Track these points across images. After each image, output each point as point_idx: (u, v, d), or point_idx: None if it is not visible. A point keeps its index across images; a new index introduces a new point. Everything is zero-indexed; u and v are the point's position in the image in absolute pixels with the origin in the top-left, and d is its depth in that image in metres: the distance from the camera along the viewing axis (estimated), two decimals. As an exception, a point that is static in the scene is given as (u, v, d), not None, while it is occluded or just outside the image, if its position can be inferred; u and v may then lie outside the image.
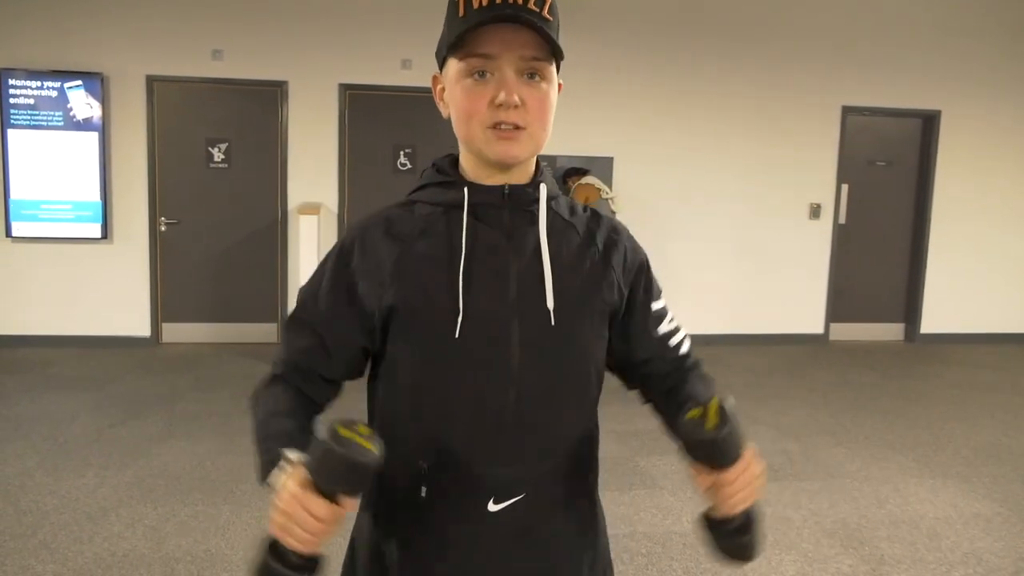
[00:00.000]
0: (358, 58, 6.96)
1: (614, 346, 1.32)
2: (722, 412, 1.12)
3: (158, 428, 4.84)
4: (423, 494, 1.19)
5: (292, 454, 1.08)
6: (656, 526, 3.70)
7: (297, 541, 1.01)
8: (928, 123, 7.96)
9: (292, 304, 6.00)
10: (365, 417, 1.29)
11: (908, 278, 8.19)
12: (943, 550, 3.55)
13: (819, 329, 7.93)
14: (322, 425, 1.05)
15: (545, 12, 1.12)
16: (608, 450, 1.34)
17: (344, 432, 1.01)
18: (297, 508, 1.00)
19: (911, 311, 8.18)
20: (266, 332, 7.18)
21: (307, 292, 1.28)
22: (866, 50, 7.64)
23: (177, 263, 7.01)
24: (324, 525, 1.01)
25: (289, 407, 1.24)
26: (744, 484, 1.13)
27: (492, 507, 1.20)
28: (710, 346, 7.53)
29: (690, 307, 7.55)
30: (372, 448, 1.02)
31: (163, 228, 6.94)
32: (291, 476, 1.03)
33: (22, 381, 5.80)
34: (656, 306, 1.36)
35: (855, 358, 7.36)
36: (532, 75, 1.14)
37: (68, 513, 3.64)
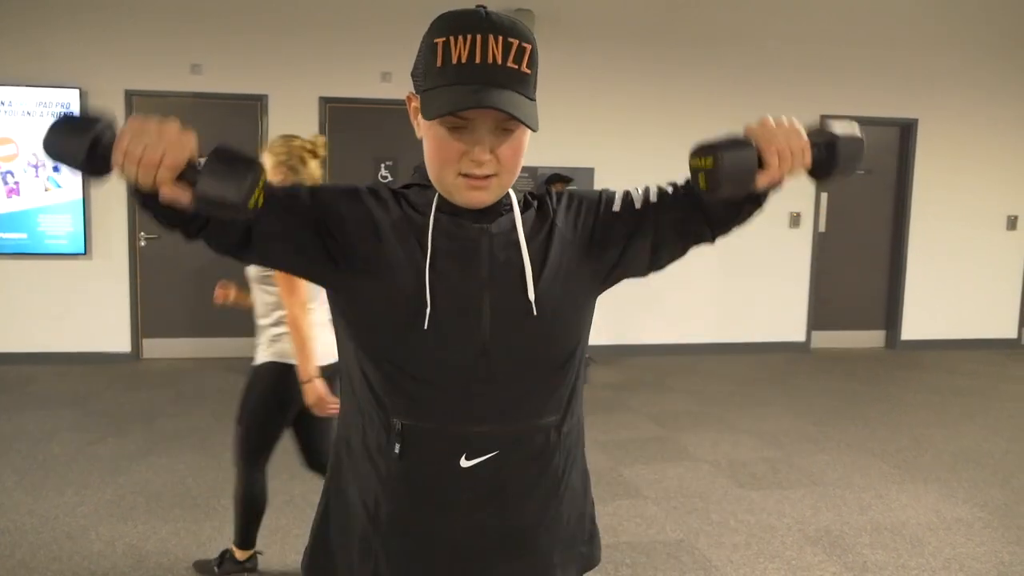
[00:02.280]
0: (338, 71, 6.96)
1: (662, 248, 1.34)
2: (699, 148, 1.16)
3: (138, 445, 4.79)
4: (396, 451, 1.23)
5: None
6: (640, 536, 3.70)
7: (125, 147, 1.02)
8: (906, 131, 8.04)
9: (273, 318, 5.77)
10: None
11: (888, 285, 8.26)
12: (925, 556, 3.56)
13: (800, 337, 7.97)
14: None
15: (524, 67, 1.13)
16: (591, 460, 1.33)
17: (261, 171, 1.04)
18: (163, 132, 1.03)
19: (891, 318, 8.24)
20: (248, 347, 7.09)
21: (317, 185, 1.31)
22: (844, 60, 7.71)
23: (157, 278, 6.97)
24: (154, 162, 1.01)
25: None
26: (777, 134, 1.17)
27: (464, 463, 1.23)
28: (692, 355, 7.55)
29: (672, 316, 7.60)
30: (255, 197, 1.03)
31: (143, 243, 6.90)
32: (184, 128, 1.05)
33: (1, 398, 5.74)
34: (624, 203, 1.34)
35: (836, 365, 7.40)
36: (506, 129, 1.16)
37: (47, 532, 3.60)
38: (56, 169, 1.10)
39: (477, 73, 1.10)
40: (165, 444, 4.82)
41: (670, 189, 1.37)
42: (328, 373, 2.87)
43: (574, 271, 1.28)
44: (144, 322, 7.00)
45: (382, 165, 7.15)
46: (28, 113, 6.51)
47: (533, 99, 1.16)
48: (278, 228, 1.21)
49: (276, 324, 3.05)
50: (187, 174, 1.03)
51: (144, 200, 1.09)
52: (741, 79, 7.54)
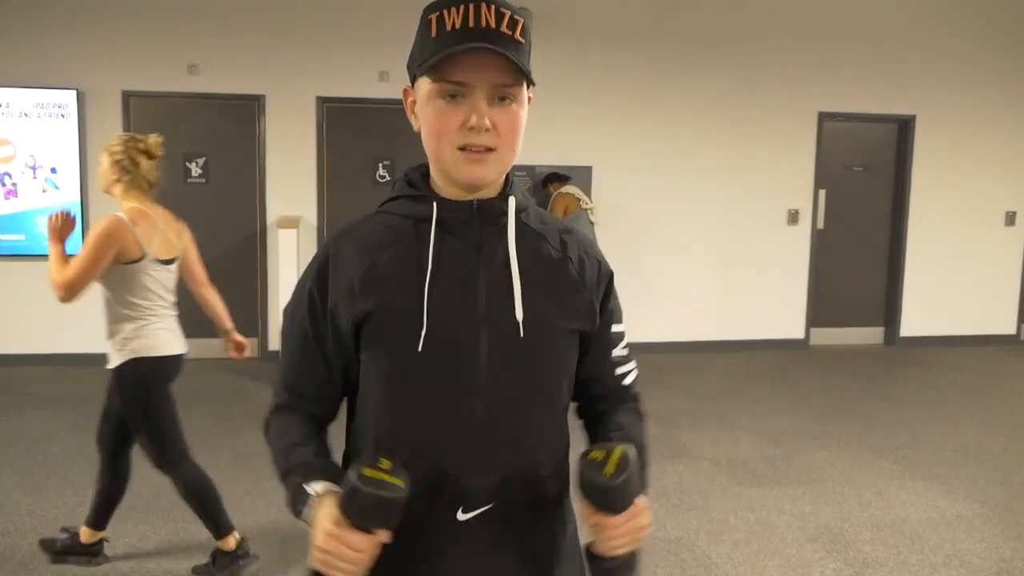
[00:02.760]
0: (335, 71, 6.95)
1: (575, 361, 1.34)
2: (622, 462, 1.12)
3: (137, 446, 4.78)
4: None
5: (318, 486, 1.15)
6: (640, 534, 3.69)
7: (340, 573, 1.07)
8: (903, 128, 8.04)
9: (272, 318, 5.99)
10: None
11: (887, 282, 8.26)
12: (925, 552, 3.57)
13: (799, 334, 7.97)
14: (351, 470, 1.09)
15: (517, 35, 1.13)
16: (574, 456, 1.32)
17: (369, 472, 1.07)
18: (336, 545, 1.07)
19: (890, 315, 8.24)
20: (247, 347, 7.12)
21: (294, 313, 1.30)
22: (842, 57, 7.71)
23: (156, 279, 6.95)
24: (363, 555, 1.08)
25: (301, 434, 1.27)
26: (627, 532, 1.15)
27: (461, 516, 1.21)
28: (691, 352, 7.56)
29: (670, 314, 7.60)
30: (398, 482, 1.07)
31: (141, 244, 6.89)
32: (324, 513, 1.09)
33: (0, 399, 5.73)
34: (616, 328, 1.36)
35: (835, 362, 7.40)
36: (503, 98, 1.16)
37: (47, 532, 3.59)
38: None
39: (473, 34, 1.10)
40: (164, 445, 4.81)
41: (624, 380, 1.38)
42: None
43: (568, 304, 1.26)
44: (143, 323, 6.98)
45: (380, 164, 7.15)
46: (25, 114, 6.50)
47: (529, 69, 1.15)
48: (341, 370, 1.28)
49: (121, 321, 3.14)
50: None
51: None
52: (739, 77, 7.54)
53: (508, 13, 1.13)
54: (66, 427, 5.11)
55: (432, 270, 1.18)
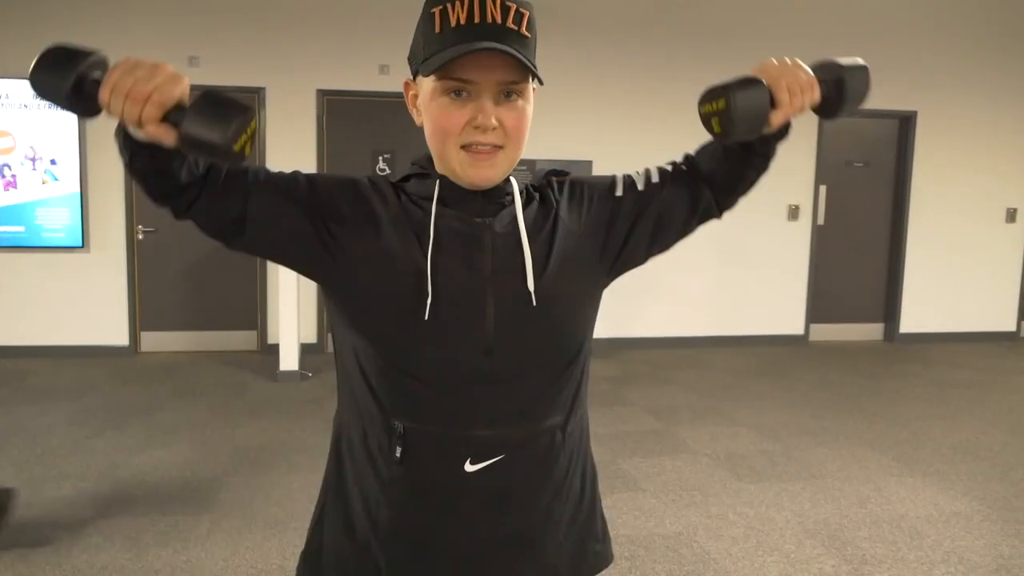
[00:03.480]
0: (336, 64, 6.94)
1: (668, 227, 1.35)
2: (717, 113, 1.15)
3: (136, 438, 4.79)
4: (397, 454, 1.20)
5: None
6: (639, 529, 3.70)
7: (113, 82, 0.98)
8: (904, 124, 8.03)
9: (271, 312, 5.98)
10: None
11: (887, 278, 8.25)
12: (924, 549, 3.57)
13: (799, 330, 7.97)
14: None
15: (523, 29, 1.12)
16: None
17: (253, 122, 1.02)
18: (152, 69, 0.99)
19: (890, 311, 8.24)
20: (245, 340, 7.13)
21: (315, 173, 1.25)
22: (841, 52, 7.63)
23: (155, 271, 6.96)
24: (143, 96, 0.97)
25: None
26: (785, 77, 1.20)
27: (469, 467, 1.20)
28: (691, 348, 7.55)
29: (671, 309, 7.60)
30: (241, 143, 1.00)
31: (140, 236, 6.89)
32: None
33: (-2, 392, 5.74)
34: (640, 184, 1.34)
35: (835, 358, 7.40)
36: (509, 95, 1.14)
37: (46, 525, 3.59)
38: (41, 98, 1.00)
39: (478, 31, 1.09)
40: (163, 437, 4.81)
41: (670, 168, 1.37)
42: None
43: (580, 262, 1.26)
44: (142, 315, 6.99)
45: (380, 158, 7.14)
46: (25, 106, 6.48)
47: (535, 64, 1.14)
48: (274, 214, 1.18)
49: None
50: (174, 116, 0.99)
51: (133, 159, 1.05)
52: (740, 71, 7.49)
53: (514, 7, 1.11)
54: (64, 420, 5.10)
55: (435, 240, 1.18)
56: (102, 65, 1.02)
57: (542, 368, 1.23)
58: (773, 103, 1.17)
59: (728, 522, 3.80)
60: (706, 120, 1.18)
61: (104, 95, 0.98)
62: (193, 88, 1.03)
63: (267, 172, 1.21)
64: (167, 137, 1.00)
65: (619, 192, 1.32)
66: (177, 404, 5.52)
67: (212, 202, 1.14)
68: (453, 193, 1.21)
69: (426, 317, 1.15)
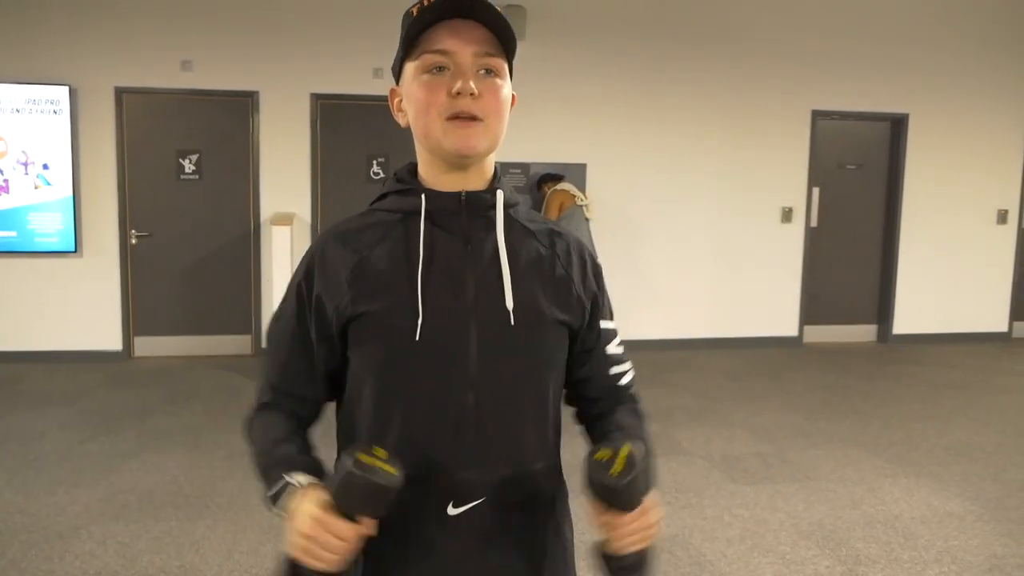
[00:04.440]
0: (329, 68, 6.94)
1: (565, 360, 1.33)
2: (630, 461, 1.12)
3: (130, 443, 4.78)
4: None
5: (301, 477, 1.13)
6: (634, 531, 3.69)
7: (321, 562, 1.05)
8: (897, 126, 8.05)
9: (265, 315, 6.00)
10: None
11: (880, 280, 8.27)
12: (918, 549, 3.57)
13: (793, 332, 7.98)
14: (345, 455, 1.07)
15: (499, 11, 1.16)
16: (578, 457, 1.32)
17: (365, 458, 1.05)
18: (320, 530, 1.05)
19: (883, 312, 8.26)
20: (240, 344, 7.12)
21: (281, 313, 1.30)
22: (835, 54, 7.72)
23: (149, 276, 6.94)
24: (347, 544, 1.05)
25: (285, 432, 1.25)
26: (637, 530, 1.15)
27: (451, 511, 1.20)
28: (685, 350, 7.56)
29: (665, 311, 7.61)
30: (392, 471, 1.06)
31: (134, 241, 6.88)
32: (309, 499, 1.08)
33: (-9, 398, 5.72)
34: (606, 325, 1.36)
35: (829, 360, 7.41)
36: (488, 72, 1.17)
37: (38, 531, 3.58)
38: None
39: (454, 3, 1.13)
40: (157, 442, 4.80)
41: (621, 380, 1.38)
42: None
43: (559, 294, 1.26)
44: (135, 320, 6.97)
45: (374, 161, 7.13)
46: (17, 111, 6.47)
47: (513, 35, 1.17)
48: (325, 371, 1.27)
49: None
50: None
51: None
52: (734, 75, 7.55)
53: None
54: (57, 425, 5.09)
55: (423, 262, 1.18)
56: (295, 562, 1.10)
57: (523, 402, 1.23)
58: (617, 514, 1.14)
59: (723, 524, 3.81)
60: (597, 456, 1.14)
61: (325, 568, 1.07)
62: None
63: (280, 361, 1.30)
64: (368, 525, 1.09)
65: (602, 294, 1.35)
66: (171, 409, 5.51)
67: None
68: (439, 208, 1.22)
69: (417, 338, 1.16)
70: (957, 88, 8.01)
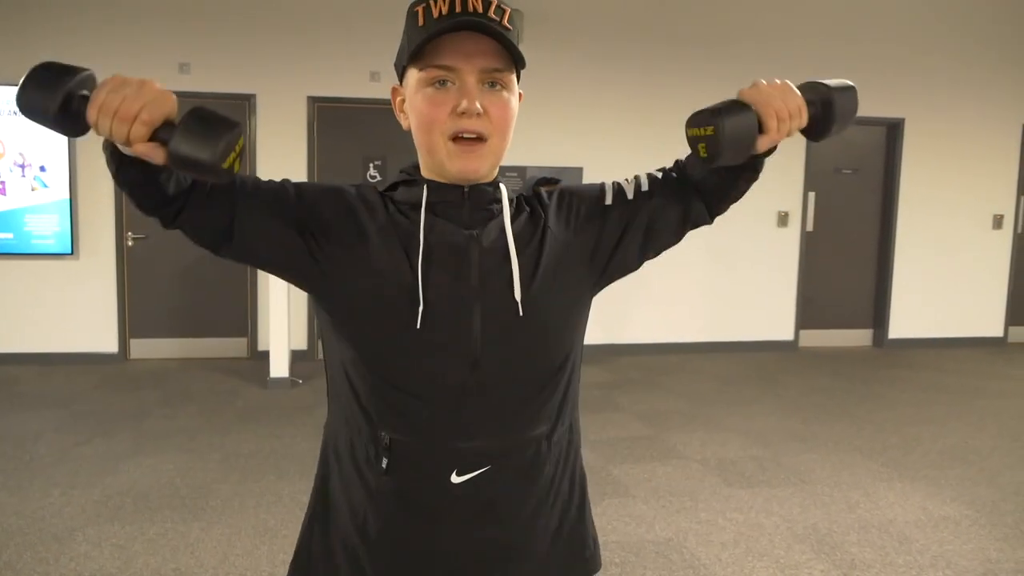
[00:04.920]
0: (326, 70, 6.94)
1: (659, 235, 1.35)
2: (704, 139, 1.14)
3: (125, 445, 4.77)
4: (384, 465, 1.20)
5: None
6: (629, 535, 3.70)
7: (101, 100, 0.98)
8: (892, 131, 8.07)
9: (261, 319, 5.97)
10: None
11: (876, 284, 8.29)
12: (913, 553, 3.58)
13: (789, 336, 7.99)
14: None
15: (504, 22, 1.13)
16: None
17: (240, 139, 1.03)
18: (141, 87, 0.99)
19: (879, 317, 8.27)
20: (235, 347, 7.12)
21: (298, 186, 1.25)
22: (831, 59, 7.74)
23: (145, 278, 6.94)
24: (130, 115, 0.97)
25: None
26: (773, 103, 1.16)
27: (455, 479, 1.20)
28: (680, 353, 7.57)
29: (661, 315, 7.61)
30: (229, 161, 1.01)
31: (130, 243, 6.87)
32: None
33: (-14, 400, 5.71)
34: (615, 194, 1.34)
35: (824, 364, 7.42)
36: (493, 84, 1.15)
37: (33, 533, 3.58)
38: (28, 117, 0.98)
39: (459, 19, 1.10)
40: (152, 444, 4.80)
41: (660, 175, 1.37)
42: None
43: (568, 271, 1.26)
44: (131, 322, 6.97)
45: (371, 164, 7.14)
46: (14, 113, 6.47)
47: (519, 51, 1.15)
48: (261, 224, 1.19)
49: None
50: (163, 133, 0.99)
51: (120, 171, 1.06)
52: (728, 77, 7.53)
53: (495, 1, 1.13)
54: (53, 427, 5.08)
55: (424, 249, 1.18)
56: (90, 83, 1.02)
57: (527, 379, 1.23)
58: (761, 128, 1.15)
59: (718, 528, 3.81)
60: (693, 143, 1.18)
61: (91, 114, 0.99)
62: (182, 96, 1.03)
63: (255, 181, 1.22)
64: (155, 155, 1.00)
65: (608, 201, 1.33)
66: (166, 411, 5.50)
67: (200, 212, 1.14)
68: (441, 200, 1.22)
69: (418, 326, 1.16)
70: (952, 93, 8.04)
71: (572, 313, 1.28)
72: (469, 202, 1.22)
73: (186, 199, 1.13)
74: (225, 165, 1.00)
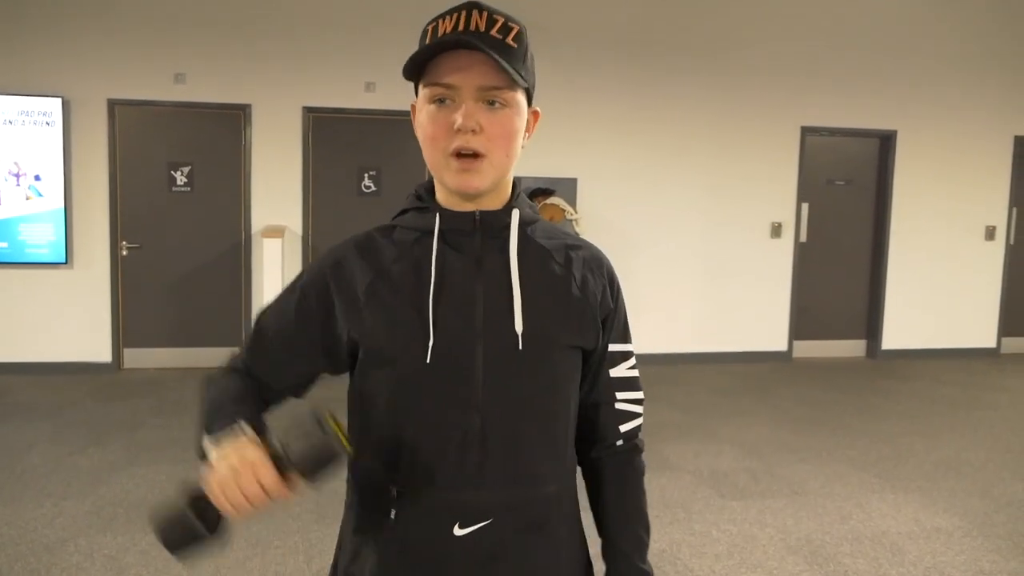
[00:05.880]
0: (321, 81, 6.96)
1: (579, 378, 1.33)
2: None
3: (118, 455, 4.76)
4: (392, 517, 1.21)
5: (247, 427, 1.11)
6: (623, 546, 3.70)
7: (229, 502, 1.04)
8: (885, 142, 8.11)
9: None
10: None
11: (869, 295, 8.31)
12: (906, 565, 3.59)
13: (782, 347, 8.01)
14: (309, 412, 1.06)
15: (509, 40, 1.14)
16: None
17: (330, 420, 1.04)
18: (248, 471, 1.03)
19: (872, 328, 8.29)
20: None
21: (279, 307, 1.30)
22: (824, 71, 7.78)
23: (139, 287, 6.93)
24: (264, 497, 1.04)
25: (244, 394, 1.27)
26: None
27: (458, 531, 1.20)
28: (675, 364, 7.58)
29: (655, 326, 7.62)
30: (348, 447, 1.04)
31: (125, 252, 6.87)
32: (250, 443, 1.07)
33: (-21, 409, 5.69)
34: (616, 347, 1.35)
35: (818, 375, 7.44)
36: (492, 102, 1.15)
37: (25, 544, 3.57)
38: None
39: (460, 37, 1.12)
40: (146, 454, 4.79)
41: (624, 423, 1.41)
42: None
43: (570, 317, 1.26)
44: (125, 332, 6.96)
45: (366, 175, 7.15)
46: (10, 122, 6.47)
47: (521, 73, 1.15)
48: (304, 368, 1.29)
49: None
50: (280, 467, 1.06)
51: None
52: (722, 89, 7.60)
53: (501, 19, 1.14)
54: (45, 437, 5.07)
55: (435, 281, 1.19)
56: (198, 493, 1.08)
57: (530, 424, 1.23)
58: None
59: (711, 539, 3.81)
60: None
61: (231, 516, 1.07)
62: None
63: (260, 343, 1.32)
64: (294, 490, 1.07)
65: (619, 305, 1.35)
66: (160, 421, 5.49)
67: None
68: (453, 228, 1.22)
69: (428, 360, 1.16)
70: (944, 105, 8.08)
71: (569, 357, 1.27)
72: (480, 230, 1.22)
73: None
74: (348, 445, 1.05)
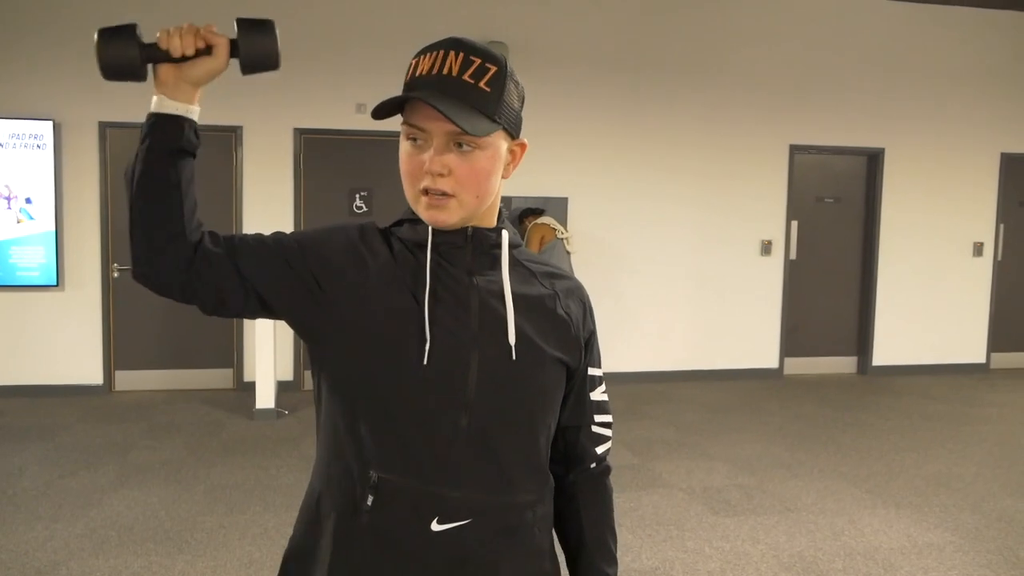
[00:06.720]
0: (312, 102, 6.99)
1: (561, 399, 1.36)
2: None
3: (110, 478, 4.75)
4: (368, 503, 1.22)
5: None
6: (616, 564, 3.70)
7: (170, 36, 1.25)
8: (873, 160, 8.18)
9: (247, 350, 5.96)
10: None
11: (859, 312, 8.36)
12: (897, 580, 3.60)
13: (773, 364, 8.04)
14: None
15: (483, 83, 1.16)
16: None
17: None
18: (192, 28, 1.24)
19: (862, 344, 8.33)
20: (221, 378, 7.10)
21: (299, 235, 1.31)
22: (812, 90, 7.86)
23: (130, 310, 6.93)
24: (199, 37, 1.27)
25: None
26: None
27: (435, 527, 1.21)
28: (666, 382, 7.59)
29: (646, 343, 7.65)
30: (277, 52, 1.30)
31: (116, 275, 6.87)
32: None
33: (-31, 433, 5.66)
34: (593, 371, 1.39)
35: (809, 392, 7.46)
36: (461, 145, 1.17)
37: (16, 568, 3.55)
38: (112, 72, 1.02)
39: (430, 82, 1.15)
40: (137, 477, 4.77)
41: (598, 446, 1.41)
42: None
43: (557, 334, 1.30)
44: (116, 354, 6.94)
45: (357, 195, 7.17)
46: (1, 145, 6.48)
47: (491, 117, 1.17)
48: (263, 272, 1.25)
49: None
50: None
51: (157, 165, 1.36)
52: (711, 108, 7.66)
53: (478, 61, 1.16)
54: (37, 460, 5.05)
55: (431, 288, 1.22)
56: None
57: (515, 430, 1.26)
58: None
59: (704, 556, 3.82)
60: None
61: (163, 39, 1.26)
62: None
63: (256, 236, 1.29)
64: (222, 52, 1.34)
65: (594, 331, 1.39)
66: (152, 443, 5.48)
67: (206, 267, 1.27)
68: (445, 241, 1.25)
69: (425, 362, 1.19)
70: (932, 123, 8.16)
71: (557, 371, 1.30)
72: (472, 245, 1.26)
73: (195, 250, 1.27)
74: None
